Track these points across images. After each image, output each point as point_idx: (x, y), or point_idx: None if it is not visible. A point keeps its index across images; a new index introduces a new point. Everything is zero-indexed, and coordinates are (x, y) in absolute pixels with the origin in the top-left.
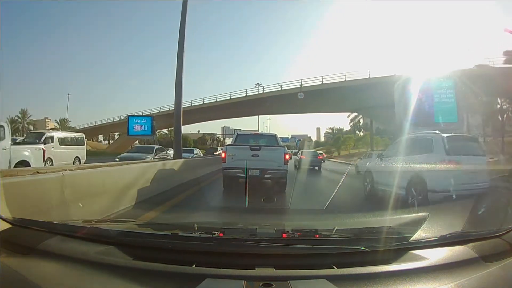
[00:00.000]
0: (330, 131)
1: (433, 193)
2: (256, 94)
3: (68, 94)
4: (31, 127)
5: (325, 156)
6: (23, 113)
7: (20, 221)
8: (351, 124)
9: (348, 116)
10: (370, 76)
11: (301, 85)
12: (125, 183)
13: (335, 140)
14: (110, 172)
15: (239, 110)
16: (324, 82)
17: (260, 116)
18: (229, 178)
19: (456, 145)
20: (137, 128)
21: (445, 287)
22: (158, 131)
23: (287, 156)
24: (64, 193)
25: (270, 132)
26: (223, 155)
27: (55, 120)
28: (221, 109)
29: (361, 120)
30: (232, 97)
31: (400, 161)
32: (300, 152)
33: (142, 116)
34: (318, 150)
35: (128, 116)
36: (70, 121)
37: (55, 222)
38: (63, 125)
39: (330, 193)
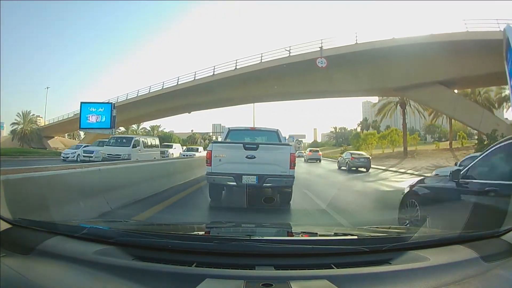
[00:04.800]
0: (333, 129)
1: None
2: (250, 66)
3: (47, 87)
4: None
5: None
6: None
7: (20, 221)
8: (377, 115)
9: (374, 105)
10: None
11: (321, 47)
12: None
13: (354, 137)
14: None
15: (228, 93)
16: (358, 42)
17: (256, 111)
18: (216, 186)
19: (312, 149)
20: (92, 119)
21: (445, 287)
22: (142, 127)
23: (293, 158)
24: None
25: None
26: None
27: (17, 113)
28: (202, 92)
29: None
30: (215, 73)
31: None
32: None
33: (98, 103)
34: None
35: (81, 103)
36: (33, 114)
37: (55, 222)
38: (25, 119)
39: None
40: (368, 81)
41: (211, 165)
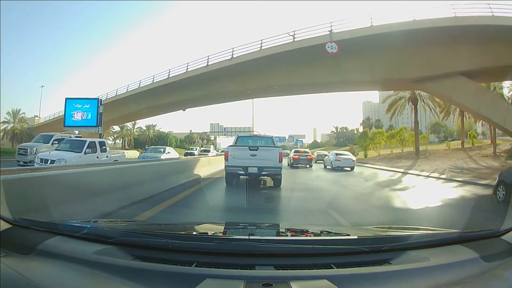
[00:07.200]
0: (334, 129)
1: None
2: (248, 54)
3: (42, 86)
4: None
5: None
6: None
7: (20, 221)
8: (388, 111)
9: (384, 101)
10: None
11: (331, 30)
12: None
13: (360, 136)
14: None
15: (224, 87)
16: (374, 25)
17: (255, 111)
18: (231, 175)
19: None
20: (77, 116)
21: (445, 287)
22: (137, 127)
23: (281, 156)
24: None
25: (267, 134)
26: (225, 154)
27: (7, 112)
28: (196, 86)
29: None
30: (209, 63)
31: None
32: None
33: (84, 99)
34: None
35: (66, 99)
36: (23, 112)
37: (55, 222)
38: (15, 117)
39: None
40: (383, 72)
41: (228, 161)
